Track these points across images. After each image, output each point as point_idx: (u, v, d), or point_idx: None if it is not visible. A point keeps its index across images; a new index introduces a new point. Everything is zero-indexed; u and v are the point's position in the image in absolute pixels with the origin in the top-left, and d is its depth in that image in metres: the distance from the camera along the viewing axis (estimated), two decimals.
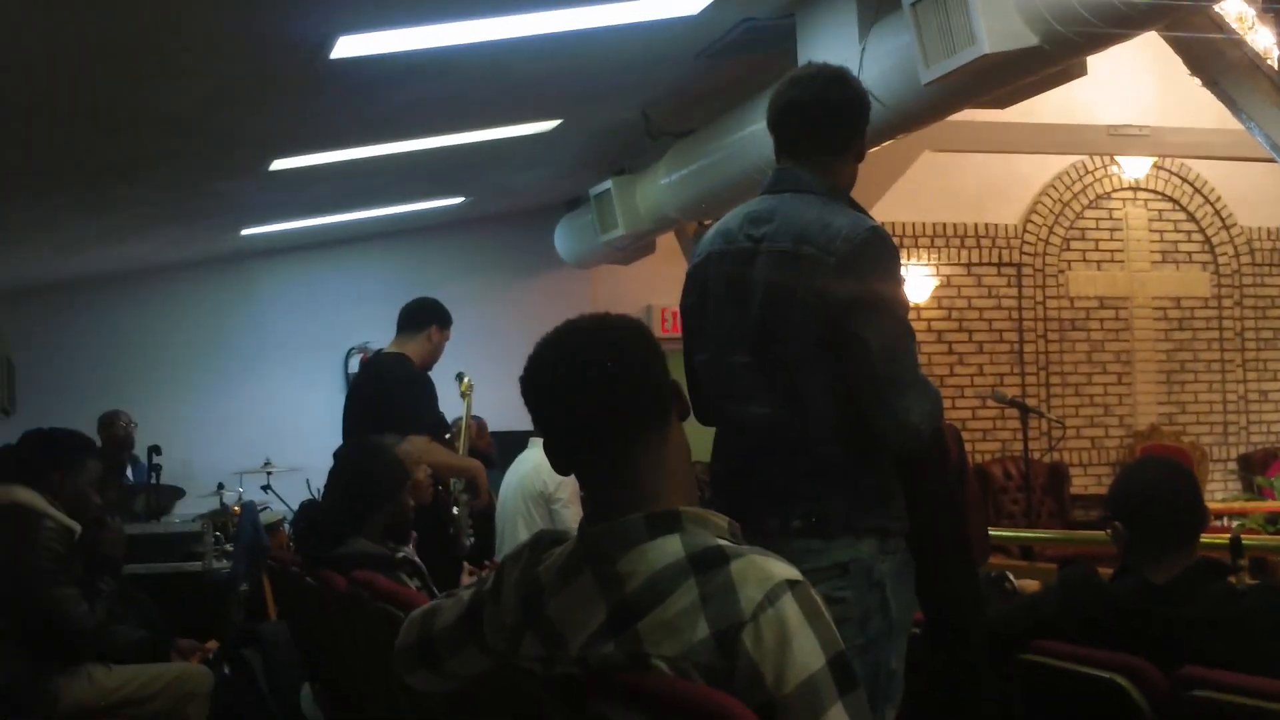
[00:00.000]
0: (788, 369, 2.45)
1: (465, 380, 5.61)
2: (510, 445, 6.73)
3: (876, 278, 2.40)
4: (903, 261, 2.61)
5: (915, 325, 2.51)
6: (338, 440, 5.09)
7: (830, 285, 2.38)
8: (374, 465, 3.82)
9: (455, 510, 5.07)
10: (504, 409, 6.47)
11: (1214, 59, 5.80)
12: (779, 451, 2.46)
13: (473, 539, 5.23)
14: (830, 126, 2.58)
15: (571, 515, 5.53)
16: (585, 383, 1.66)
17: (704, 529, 1.64)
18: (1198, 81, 6.15)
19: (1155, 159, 10.79)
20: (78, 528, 4.11)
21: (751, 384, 2.49)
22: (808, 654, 1.50)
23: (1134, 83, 9.83)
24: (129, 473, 7.74)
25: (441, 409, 5.11)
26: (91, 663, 4.02)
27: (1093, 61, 5.13)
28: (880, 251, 2.43)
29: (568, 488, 5.66)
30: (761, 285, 2.47)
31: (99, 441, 6.67)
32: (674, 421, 1.72)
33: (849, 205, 2.53)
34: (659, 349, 1.73)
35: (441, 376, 5.20)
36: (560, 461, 1.73)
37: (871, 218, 2.51)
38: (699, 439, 2.02)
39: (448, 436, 5.22)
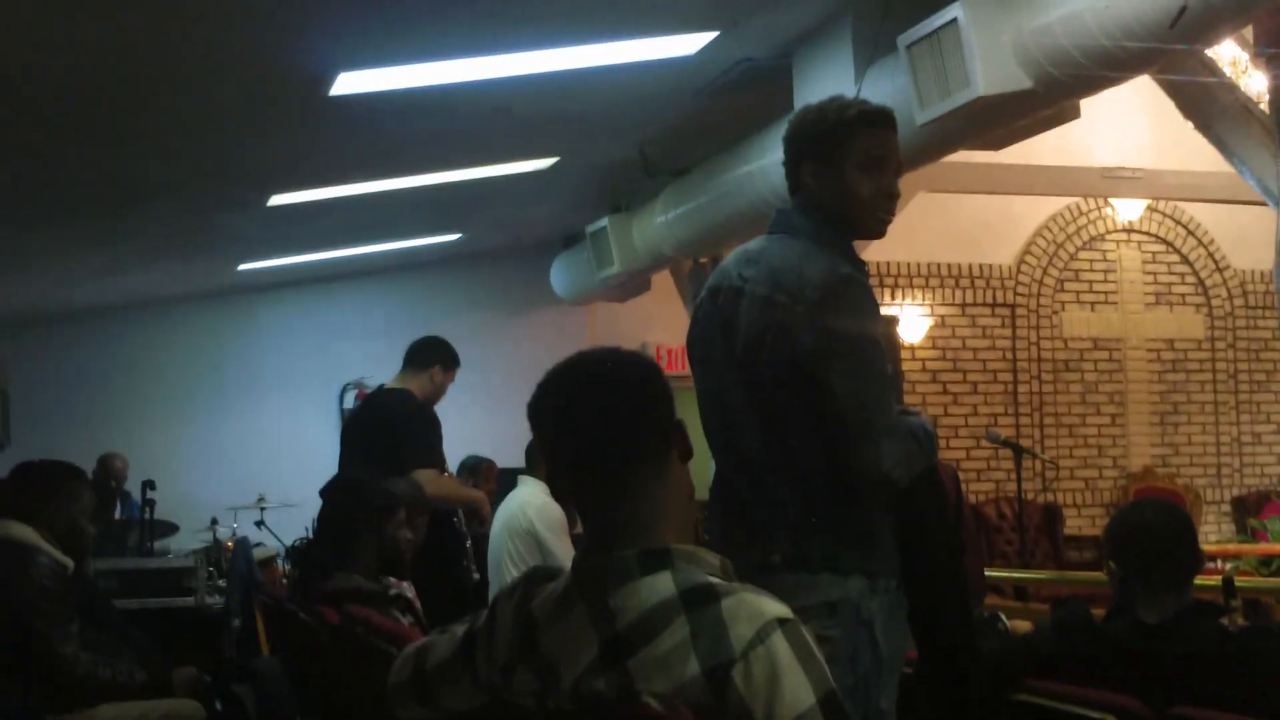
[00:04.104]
0: (771, 408, 2.46)
1: None
2: (503, 483, 6.69)
3: (846, 325, 2.39)
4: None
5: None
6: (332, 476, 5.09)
7: (800, 334, 2.38)
8: (352, 501, 3.82)
9: (469, 544, 5.11)
10: (499, 444, 6.47)
11: (1207, 103, 5.85)
12: (764, 486, 2.48)
13: (478, 575, 5.24)
14: (786, 165, 2.61)
15: (560, 552, 5.52)
16: (592, 410, 1.68)
17: (695, 566, 1.65)
18: (1191, 125, 6.19)
19: (1149, 201, 10.84)
20: (71, 564, 4.09)
21: (741, 418, 2.51)
22: (798, 692, 1.50)
23: (1128, 126, 9.88)
24: (118, 509, 7.71)
25: None
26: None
27: (1087, 104, 5.18)
28: (850, 298, 2.42)
29: (554, 525, 5.65)
30: (743, 327, 2.49)
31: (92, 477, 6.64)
32: (675, 461, 1.73)
33: (838, 247, 2.52)
34: (668, 388, 1.74)
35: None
36: (561, 489, 1.76)
37: (852, 263, 2.50)
38: (701, 477, 2.01)
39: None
